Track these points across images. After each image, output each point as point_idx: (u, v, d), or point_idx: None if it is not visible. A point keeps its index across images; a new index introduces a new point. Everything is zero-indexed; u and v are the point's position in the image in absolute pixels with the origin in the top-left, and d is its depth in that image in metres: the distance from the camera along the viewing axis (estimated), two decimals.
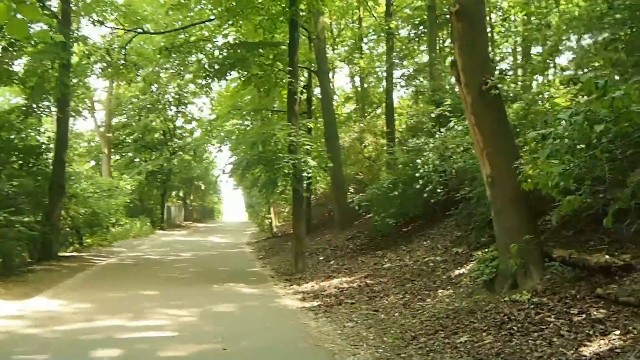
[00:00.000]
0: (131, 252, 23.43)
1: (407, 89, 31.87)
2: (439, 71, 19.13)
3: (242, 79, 17.37)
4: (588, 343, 6.28)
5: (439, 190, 13.75)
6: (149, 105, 39.66)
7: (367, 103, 34.32)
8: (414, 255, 14.30)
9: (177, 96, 41.51)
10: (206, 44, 20.57)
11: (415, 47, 29.32)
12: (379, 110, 34.59)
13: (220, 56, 16.68)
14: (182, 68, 34.38)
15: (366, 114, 33.20)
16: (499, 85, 9.53)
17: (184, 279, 15.44)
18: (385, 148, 25.46)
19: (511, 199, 9.24)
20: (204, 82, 17.54)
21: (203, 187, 57.97)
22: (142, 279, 15.17)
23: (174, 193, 47.45)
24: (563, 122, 6.19)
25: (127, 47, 23.29)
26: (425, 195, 14.01)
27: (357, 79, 34.67)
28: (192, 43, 20.53)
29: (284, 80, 17.02)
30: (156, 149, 41.50)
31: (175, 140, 42.60)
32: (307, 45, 25.80)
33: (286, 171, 14.84)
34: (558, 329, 6.85)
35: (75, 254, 21.43)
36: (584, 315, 7.00)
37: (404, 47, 29.65)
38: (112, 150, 40.43)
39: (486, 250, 11.27)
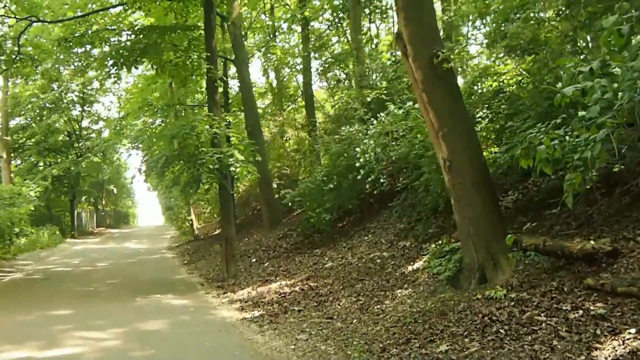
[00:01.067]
0: (39, 265, 21.28)
1: (327, 79, 31.14)
2: (366, 55, 18.16)
3: (155, 67, 15.70)
4: (599, 345, 5.37)
5: (382, 181, 12.69)
6: (50, 105, 36.88)
7: (284, 97, 33.17)
8: (356, 251, 13.27)
9: (81, 94, 38.92)
10: (111, 35, 18.67)
11: (333, 36, 28.26)
12: (296, 105, 33.71)
13: (129, 42, 14.95)
14: (84, 62, 32.28)
15: (284, 108, 32.16)
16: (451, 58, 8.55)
17: (102, 292, 13.78)
18: (307, 141, 24.51)
19: (473, 183, 8.31)
20: (112, 70, 15.59)
21: (115, 190, 55.22)
22: (54, 296, 13.42)
23: (84, 198, 44.70)
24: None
25: (21, 38, 21.09)
26: (367, 186, 12.98)
27: (271, 73, 33.41)
28: (95, 33, 18.52)
29: (202, 67, 15.60)
30: (61, 151, 38.73)
31: (82, 141, 39.95)
32: (221, 34, 24.39)
33: (211, 167, 13.45)
34: (555, 330, 5.91)
35: None
36: (580, 312, 6.09)
37: (322, 35, 28.58)
38: (12, 154, 37.30)
39: (440, 242, 10.38)
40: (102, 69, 16.06)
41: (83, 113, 40.67)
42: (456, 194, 8.47)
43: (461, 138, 8.41)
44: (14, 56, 21.22)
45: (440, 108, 8.44)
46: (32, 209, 29.06)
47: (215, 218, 37.59)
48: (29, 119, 38.46)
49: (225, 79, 20.86)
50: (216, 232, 30.35)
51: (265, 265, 15.21)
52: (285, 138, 28.35)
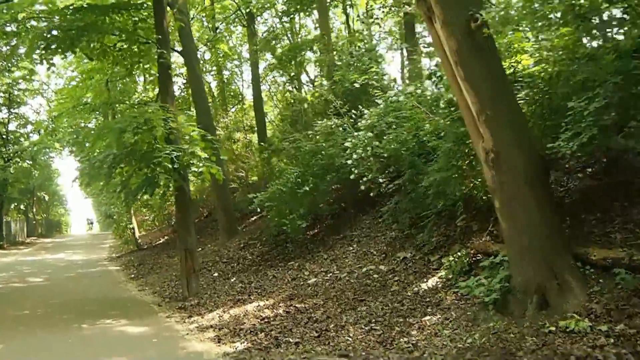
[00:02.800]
0: None
1: (280, 76, 29.23)
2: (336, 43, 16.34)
3: (97, 52, 13.34)
4: None
5: (381, 180, 10.83)
6: None
7: (226, 97, 31.15)
8: (342, 264, 11.43)
9: (7, 95, 35.76)
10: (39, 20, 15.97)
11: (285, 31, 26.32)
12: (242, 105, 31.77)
13: (65, 22, 12.53)
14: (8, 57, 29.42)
15: (228, 109, 30.23)
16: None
17: (39, 317, 11.39)
18: (257, 144, 22.55)
19: (526, 182, 6.55)
20: (44, 56, 13.03)
21: (47, 198, 51.70)
22: None
23: (13, 206, 41.24)
24: None
25: None
26: (362, 187, 11.09)
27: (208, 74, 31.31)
28: (21, 22, 15.75)
29: (151, 53, 13.42)
30: None
31: (10, 146, 36.72)
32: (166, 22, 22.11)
33: (170, 166, 11.35)
34: None
35: None
36: None
37: (272, 30, 26.67)
38: None
39: (457, 254, 8.65)
40: (31, 56, 13.47)
41: (9, 115, 37.44)
42: (504, 195, 6.70)
43: (510, 124, 6.66)
44: None
45: (481, 85, 6.66)
46: None
47: (157, 226, 35.18)
48: None
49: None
50: (160, 241, 28.03)
51: (232, 281, 13.15)
52: (232, 141, 26.37)
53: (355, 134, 11.10)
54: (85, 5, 13.19)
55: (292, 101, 24.57)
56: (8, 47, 33.80)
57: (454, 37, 6.73)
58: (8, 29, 16.64)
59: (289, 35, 25.96)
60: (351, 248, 12.16)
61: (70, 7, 13.18)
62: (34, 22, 14.10)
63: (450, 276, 8.42)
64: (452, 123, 8.39)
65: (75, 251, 31.09)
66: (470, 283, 7.28)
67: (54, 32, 12.66)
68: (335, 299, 9.53)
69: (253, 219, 21.61)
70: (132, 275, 18.18)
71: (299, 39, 24.89)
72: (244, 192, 24.28)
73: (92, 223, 73.05)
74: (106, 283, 17.00)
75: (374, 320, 7.91)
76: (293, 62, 23.52)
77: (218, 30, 28.54)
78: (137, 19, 13.90)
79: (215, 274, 14.42)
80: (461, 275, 8.22)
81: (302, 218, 13.14)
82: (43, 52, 12.77)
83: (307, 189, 12.83)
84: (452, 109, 8.65)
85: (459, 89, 6.88)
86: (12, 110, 37.55)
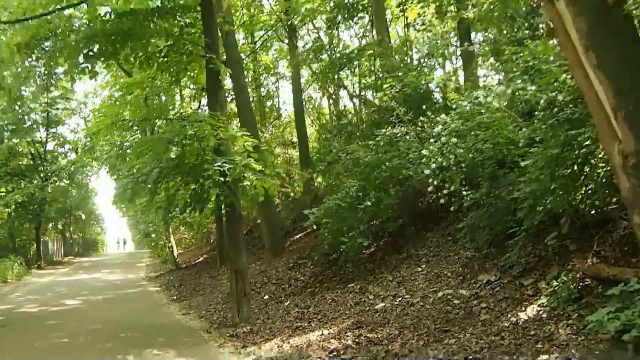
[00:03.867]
0: None
1: (318, 91, 28.34)
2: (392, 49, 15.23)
3: (140, 58, 12.35)
4: None
5: (464, 193, 9.58)
6: (11, 126, 33.36)
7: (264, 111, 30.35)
8: (412, 287, 10.21)
9: (45, 114, 35.42)
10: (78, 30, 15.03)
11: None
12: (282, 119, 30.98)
13: (108, 25, 11.58)
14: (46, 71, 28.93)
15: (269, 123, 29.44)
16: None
17: (78, 346, 10.38)
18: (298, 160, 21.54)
19: None
20: (86, 65, 12.10)
21: (84, 217, 51.37)
22: (11, 352, 10.07)
23: (50, 226, 40.83)
24: None
25: None
26: (442, 201, 9.85)
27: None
28: (61, 33, 14.81)
29: (199, 59, 12.44)
30: (25, 176, 35.13)
31: (47, 165, 36.31)
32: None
33: (221, 180, 10.30)
34: None
35: None
36: None
37: (316, 41, 25.66)
38: None
39: (563, 279, 7.37)
40: (72, 64, 12.52)
41: (47, 135, 37.16)
42: None
43: None
44: None
45: (620, 75, 5.42)
46: None
47: (195, 244, 34.33)
48: None
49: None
50: (199, 260, 27.12)
51: (286, 304, 12.01)
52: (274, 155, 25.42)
53: (432, 140, 9.92)
54: (128, 10, 12.32)
55: (337, 113, 23.63)
56: (45, 69, 33.95)
57: (584, 16, 5.51)
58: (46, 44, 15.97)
59: (328, 49, 24.92)
60: (419, 269, 10.94)
61: (112, 13, 12.32)
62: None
63: (554, 304, 7.15)
64: (558, 125, 7.16)
65: (112, 270, 30.43)
66: (601, 316, 5.96)
67: (96, 38, 11.73)
68: (413, 328, 8.31)
69: (297, 236, 20.54)
70: (174, 297, 17.17)
71: (337, 53, 23.81)
72: (287, 208, 23.29)
73: (125, 242, 72.91)
74: (147, 305, 16.04)
75: (470, 356, 6.68)
76: (335, 76, 22.61)
77: (257, 43, 27.78)
78: (183, 23, 12.96)
79: (266, 297, 13.32)
80: (569, 304, 6.96)
81: (363, 236, 11.95)
82: (83, 61, 11.86)
83: (369, 203, 11.68)
84: (555, 109, 7.42)
85: (587, 81, 5.64)
86: (50, 129, 37.29)
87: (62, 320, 13.51)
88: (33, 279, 26.84)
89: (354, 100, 24.53)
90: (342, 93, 25.87)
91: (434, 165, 9.34)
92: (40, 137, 36.97)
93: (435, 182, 9.49)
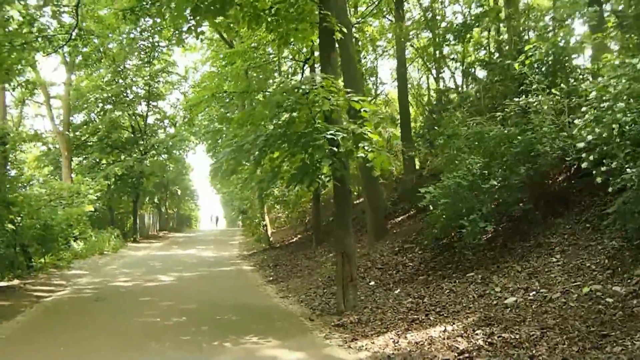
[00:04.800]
0: (94, 276, 17.54)
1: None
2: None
3: (248, 18, 11.39)
4: None
5: (629, 170, 7.91)
6: (115, 99, 33.76)
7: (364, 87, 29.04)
8: (547, 280, 8.78)
9: (147, 87, 35.68)
10: None
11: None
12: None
13: None
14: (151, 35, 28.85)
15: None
16: None
17: (171, 328, 9.65)
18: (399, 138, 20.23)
19: None
20: (191, 25, 11.31)
21: (179, 192, 52.04)
22: (104, 331, 9.46)
23: (147, 199, 41.33)
24: None
25: (80, 9, 17.44)
26: (598, 180, 8.26)
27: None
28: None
29: (311, 16, 11.37)
30: (125, 149, 35.57)
31: (147, 138, 36.59)
32: None
33: (333, 150, 9.22)
34: None
35: (16, 282, 15.58)
36: None
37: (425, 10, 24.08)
38: (73, 151, 34.08)
39: None
40: (178, 22, 11.79)
41: (148, 109, 37.49)
42: None
43: None
44: (72, 31, 17.61)
45: None
46: (92, 209, 25.72)
47: (288, 223, 33.65)
48: (92, 114, 35.49)
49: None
50: (293, 240, 26.37)
51: (396, 293, 10.83)
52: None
53: (584, 109, 8.36)
54: None
55: (439, 91, 22.22)
56: (148, 41, 34.12)
57: None
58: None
59: (432, 24, 23.32)
60: (553, 260, 9.47)
61: None
62: None
63: None
64: None
65: (205, 246, 30.30)
66: None
67: None
68: (557, 329, 6.96)
69: (399, 219, 19.29)
70: (270, 278, 16.36)
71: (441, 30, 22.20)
72: (388, 188, 22.08)
73: (217, 219, 73.80)
74: (242, 285, 15.31)
75: None
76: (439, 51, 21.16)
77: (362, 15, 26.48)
78: None
79: (372, 283, 12.19)
80: None
81: (485, 219, 10.58)
82: (190, 17, 11.05)
83: (495, 183, 10.31)
84: None
85: None
86: (151, 103, 37.59)
87: (156, 297, 12.93)
88: (129, 252, 26.97)
89: (460, 77, 23.08)
90: (445, 73, 24.59)
91: (589, 137, 7.80)
92: (142, 111, 37.38)
93: (591, 157, 7.93)
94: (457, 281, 10.29)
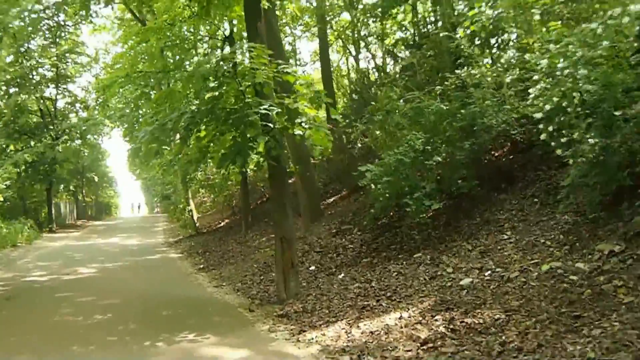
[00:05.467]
0: (6, 271, 16.09)
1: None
2: None
3: None
4: None
5: (591, 140, 7.30)
6: (19, 81, 31.49)
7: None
8: (502, 259, 8.34)
9: (54, 69, 33.53)
10: None
11: None
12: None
13: None
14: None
15: None
16: None
17: (93, 328, 8.65)
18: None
19: None
20: None
21: (96, 179, 49.70)
22: (16, 334, 8.34)
23: (62, 187, 39.14)
24: None
25: None
26: (559, 152, 7.69)
27: None
28: None
29: None
30: (34, 134, 33.36)
31: (58, 123, 34.47)
32: None
33: (265, 127, 8.40)
34: None
35: None
36: None
37: None
38: None
39: None
40: None
41: (57, 92, 35.31)
42: None
43: None
44: None
45: None
46: (1, 199, 23.88)
47: (214, 208, 32.52)
48: None
49: None
50: (221, 225, 25.43)
51: (340, 277, 10.18)
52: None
53: (536, 77, 7.84)
54: None
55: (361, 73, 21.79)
56: (53, 20, 32.09)
57: None
58: None
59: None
60: (505, 237, 9.05)
61: None
62: None
63: None
64: None
65: (128, 235, 28.85)
66: None
67: None
68: (524, 311, 6.46)
69: (331, 200, 18.73)
70: (201, 266, 15.41)
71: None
72: (319, 169, 21.46)
73: (139, 206, 71.44)
74: (172, 275, 14.34)
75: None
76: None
77: None
78: None
79: (312, 268, 11.51)
80: None
81: (429, 197, 10.03)
82: None
83: (440, 159, 9.78)
84: None
85: None
86: (60, 86, 35.42)
87: (76, 291, 11.81)
88: (44, 243, 25.27)
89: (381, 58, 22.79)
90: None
91: (547, 107, 7.28)
92: (50, 94, 35.17)
93: (550, 128, 7.42)
94: (404, 263, 9.73)
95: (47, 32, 32.71)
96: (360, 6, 21.94)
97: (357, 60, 25.22)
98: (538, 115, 7.44)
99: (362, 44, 23.92)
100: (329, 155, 21.45)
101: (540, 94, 7.47)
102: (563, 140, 7.18)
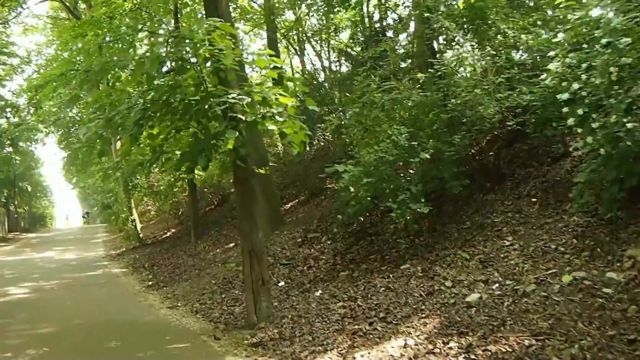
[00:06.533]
0: None
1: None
2: None
3: None
4: None
5: (629, 125, 6.21)
6: None
7: None
8: (508, 269, 7.25)
9: None
10: None
11: None
12: None
13: None
14: None
15: None
16: None
17: None
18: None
19: None
20: None
21: (29, 189, 46.89)
22: None
23: None
24: None
25: None
26: (589, 139, 6.56)
27: None
28: None
29: None
30: None
31: None
32: None
33: (233, 120, 7.07)
34: None
35: None
36: None
37: None
38: None
39: None
40: None
41: None
42: None
43: None
44: None
45: None
46: None
47: (156, 218, 30.68)
48: None
49: None
50: (167, 235, 23.76)
51: (318, 294, 8.89)
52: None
53: (552, 54, 6.76)
54: None
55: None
56: None
57: None
58: None
59: None
60: (506, 242, 7.96)
61: None
62: None
63: None
64: None
65: (65, 247, 26.72)
66: None
67: None
68: (559, 334, 5.37)
69: (288, 205, 17.46)
70: (150, 283, 13.82)
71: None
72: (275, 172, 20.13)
73: (87, 214, 67.06)
74: (117, 294, 12.74)
75: None
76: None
77: None
78: None
79: (282, 284, 10.18)
80: None
81: (416, 200, 8.84)
82: None
83: (428, 156, 8.62)
84: None
85: None
86: None
87: (4, 318, 10.11)
88: None
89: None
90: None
91: (575, 85, 6.13)
92: None
93: (580, 112, 6.29)
94: (390, 276, 8.52)
95: None
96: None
97: (302, 61, 24.05)
98: (564, 96, 6.30)
99: (308, 43, 22.81)
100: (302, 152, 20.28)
101: (557, 73, 6.35)
102: (595, 125, 6.03)
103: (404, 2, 15.18)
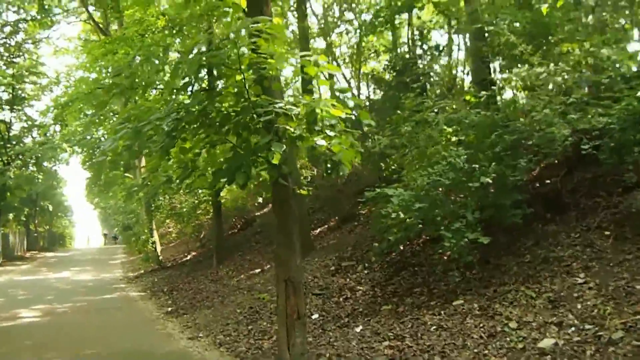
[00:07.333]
0: None
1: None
2: None
3: None
4: None
5: None
6: None
7: None
8: (586, 311, 6.32)
9: (9, 89, 30.91)
10: None
11: None
12: None
13: None
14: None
15: None
16: None
17: None
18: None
19: None
20: None
21: (51, 208, 46.54)
22: None
23: (11, 216, 36.05)
24: None
25: None
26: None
27: None
28: None
29: None
30: None
31: (11, 148, 31.77)
32: None
33: (276, 136, 6.24)
34: None
35: None
36: None
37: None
38: None
39: None
40: None
41: (12, 114, 32.65)
42: None
43: None
44: None
45: None
46: None
47: (176, 240, 29.98)
48: None
49: None
50: (187, 258, 22.95)
51: (358, 330, 7.97)
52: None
53: None
54: None
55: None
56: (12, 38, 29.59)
57: None
58: None
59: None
60: (578, 280, 7.01)
61: None
62: None
63: None
64: None
65: (82, 268, 25.98)
66: None
67: None
68: None
69: (317, 231, 16.61)
70: (169, 309, 12.93)
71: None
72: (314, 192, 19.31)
73: (115, 237, 65.20)
74: (134, 320, 11.89)
75: None
76: None
77: None
78: None
79: (315, 316, 9.25)
80: None
81: (473, 229, 7.92)
82: None
83: (489, 180, 7.74)
84: None
85: None
86: (15, 108, 32.74)
87: (10, 345, 9.26)
88: None
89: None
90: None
91: None
92: (4, 116, 32.45)
93: None
94: (442, 313, 7.59)
95: (1, 48, 30.15)
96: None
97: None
98: None
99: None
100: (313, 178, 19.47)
101: None
102: None
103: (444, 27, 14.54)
